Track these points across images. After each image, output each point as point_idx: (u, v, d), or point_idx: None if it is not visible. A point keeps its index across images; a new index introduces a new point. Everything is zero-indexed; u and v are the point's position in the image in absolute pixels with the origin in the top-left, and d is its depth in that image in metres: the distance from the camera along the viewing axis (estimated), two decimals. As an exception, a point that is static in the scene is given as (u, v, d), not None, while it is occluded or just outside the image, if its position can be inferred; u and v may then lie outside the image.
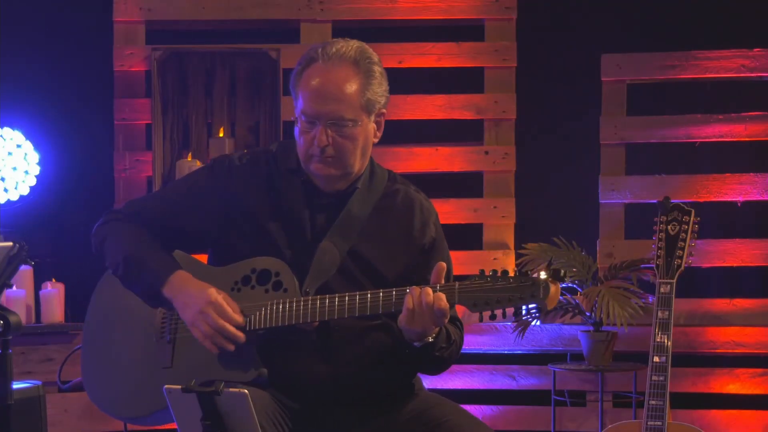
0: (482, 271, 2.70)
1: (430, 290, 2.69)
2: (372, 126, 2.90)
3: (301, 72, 2.86)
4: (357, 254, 2.90)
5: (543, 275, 2.64)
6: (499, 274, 2.68)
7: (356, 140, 2.85)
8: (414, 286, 2.71)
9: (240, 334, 2.80)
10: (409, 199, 2.98)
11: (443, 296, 2.68)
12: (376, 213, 2.94)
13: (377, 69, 2.87)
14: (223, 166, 2.98)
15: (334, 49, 2.84)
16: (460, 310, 2.85)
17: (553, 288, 2.63)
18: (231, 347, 2.80)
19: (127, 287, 2.96)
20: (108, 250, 2.97)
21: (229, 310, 2.81)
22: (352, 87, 2.82)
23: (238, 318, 2.81)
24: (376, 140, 2.94)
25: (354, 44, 2.87)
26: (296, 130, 2.88)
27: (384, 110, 2.92)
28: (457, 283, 2.70)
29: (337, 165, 2.86)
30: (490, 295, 2.66)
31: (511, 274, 2.67)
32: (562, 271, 2.64)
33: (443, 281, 2.73)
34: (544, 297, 2.63)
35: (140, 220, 2.98)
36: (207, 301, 2.81)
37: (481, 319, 2.70)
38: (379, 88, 2.87)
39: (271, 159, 2.97)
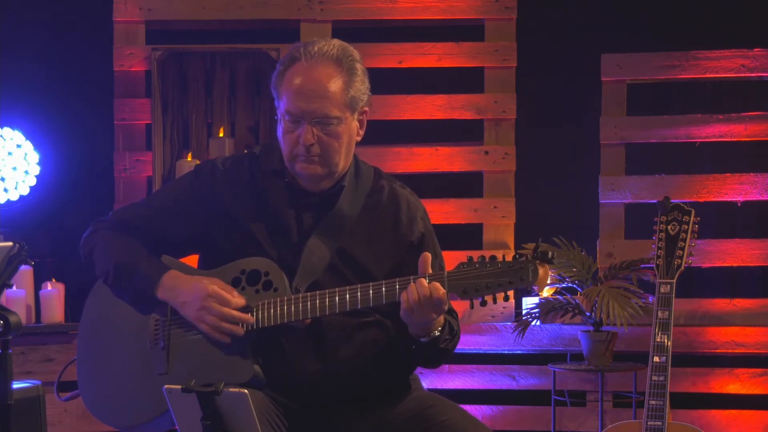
0: (470, 258, 2.70)
1: (424, 281, 2.69)
2: (355, 124, 2.91)
3: (283, 72, 2.87)
4: (345, 252, 2.90)
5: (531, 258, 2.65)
6: (487, 259, 2.68)
7: (341, 138, 2.86)
8: (410, 284, 2.71)
9: (246, 316, 2.81)
10: (395, 195, 2.99)
11: (438, 284, 2.69)
12: (363, 210, 2.94)
13: (359, 67, 2.89)
14: (206, 171, 2.99)
15: (316, 48, 2.85)
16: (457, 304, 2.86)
17: (541, 270, 2.64)
18: (240, 331, 2.81)
19: (117, 295, 2.97)
20: (97, 259, 2.99)
21: (228, 296, 2.83)
22: (336, 85, 2.84)
23: (240, 300, 2.83)
24: (359, 138, 2.95)
25: (336, 43, 2.89)
26: (279, 130, 2.89)
27: (366, 108, 2.93)
28: (445, 272, 2.71)
29: (322, 163, 2.86)
30: (479, 281, 2.67)
31: (500, 259, 2.68)
32: (550, 253, 2.65)
33: (431, 270, 2.73)
34: (533, 280, 2.64)
35: (127, 228, 2.99)
36: (205, 294, 2.82)
37: (471, 306, 2.71)
38: (362, 85, 2.89)
39: (255, 161, 2.98)
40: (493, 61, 5.38)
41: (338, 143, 2.86)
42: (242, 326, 2.82)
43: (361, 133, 2.95)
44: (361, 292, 2.77)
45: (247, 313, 2.83)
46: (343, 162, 2.90)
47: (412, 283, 2.71)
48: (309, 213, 2.92)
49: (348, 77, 2.86)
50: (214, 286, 2.84)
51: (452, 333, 2.88)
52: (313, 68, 2.83)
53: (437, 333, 2.80)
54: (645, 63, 5.27)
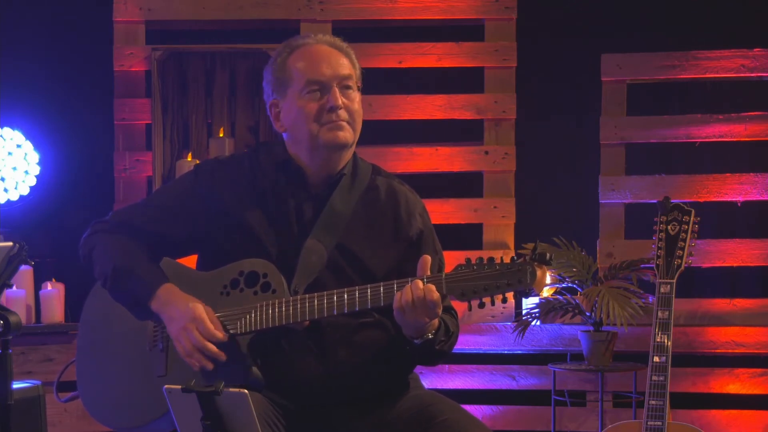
0: (468, 260, 2.70)
1: (419, 283, 2.69)
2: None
3: (285, 59, 2.91)
4: (344, 249, 2.90)
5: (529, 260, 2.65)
6: (485, 261, 2.68)
7: (360, 106, 2.93)
8: (402, 280, 2.71)
9: (221, 354, 2.80)
10: (394, 192, 2.99)
11: (433, 287, 2.68)
12: (361, 207, 2.95)
13: (353, 53, 2.97)
14: (206, 171, 2.99)
15: (312, 36, 2.94)
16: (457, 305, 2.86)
17: (539, 272, 2.63)
18: (210, 366, 2.79)
19: (114, 299, 2.97)
20: (96, 261, 2.98)
21: (211, 327, 2.80)
22: (345, 58, 2.92)
23: (220, 335, 2.80)
24: None
25: (329, 34, 2.97)
26: (292, 112, 2.89)
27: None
28: (443, 274, 2.70)
29: (350, 129, 2.90)
30: (478, 283, 2.66)
31: (498, 261, 2.67)
32: (548, 255, 2.64)
33: (429, 272, 2.73)
34: (531, 282, 2.63)
35: (127, 229, 2.99)
36: (191, 318, 2.80)
37: (470, 308, 2.69)
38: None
39: (254, 160, 2.99)
40: (493, 61, 5.38)
41: (360, 110, 2.92)
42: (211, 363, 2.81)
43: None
44: (359, 294, 2.76)
45: (234, 334, 2.82)
46: (357, 135, 2.93)
47: (405, 283, 2.71)
48: (309, 204, 2.92)
49: (349, 56, 2.93)
50: (203, 313, 2.82)
51: (448, 334, 2.87)
52: (321, 46, 2.91)
53: (431, 336, 2.79)
54: (645, 63, 5.27)
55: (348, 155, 2.94)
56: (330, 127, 2.87)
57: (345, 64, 2.90)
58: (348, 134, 2.89)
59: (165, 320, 2.86)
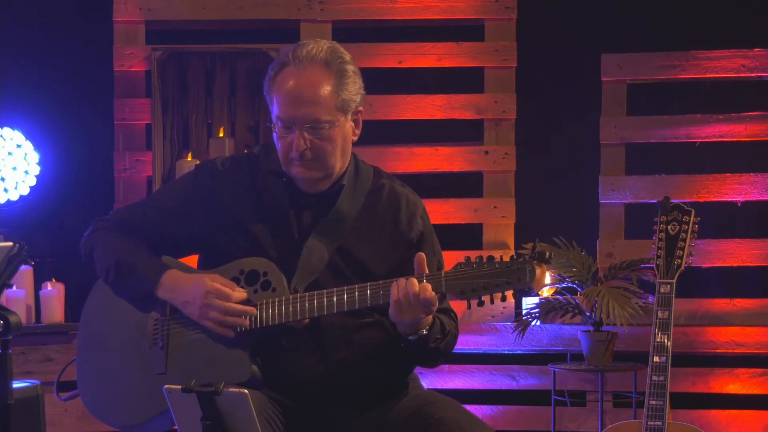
0: (468, 258, 2.70)
1: (415, 280, 2.70)
2: (349, 125, 2.90)
3: (273, 77, 2.87)
4: (345, 251, 2.91)
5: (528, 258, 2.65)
6: (484, 260, 2.68)
7: (334, 141, 2.85)
8: (400, 278, 2.71)
9: (249, 308, 2.81)
10: (395, 194, 2.99)
11: (429, 286, 2.68)
12: (363, 209, 2.95)
13: (350, 68, 2.87)
14: (207, 171, 3.00)
15: (304, 52, 2.84)
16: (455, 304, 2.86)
17: (538, 270, 2.64)
18: (246, 323, 2.81)
19: (118, 294, 2.98)
20: (98, 258, 3.00)
21: (228, 290, 2.83)
22: (325, 89, 2.82)
23: (241, 294, 2.83)
24: (355, 138, 2.94)
25: (324, 45, 2.87)
26: (274, 135, 2.89)
27: (361, 108, 2.92)
28: (443, 272, 2.71)
29: (318, 167, 2.87)
30: (477, 281, 2.67)
31: (498, 259, 2.67)
32: (548, 253, 2.65)
33: (427, 270, 2.73)
34: (530, 280, 2.64)
35: (128, 227, 3.00)
36: (206, 291, 2.83)
37: (469, 306, 2.70)
38: (353, 86, 2.87)
39: (254, 161, 2.99)
40: (493, 61, 5.38)
41: (332, 146, 2.85)
42: (246, 318, 2.82)
43: (357, 132, 2.94)
44: (358, 292, 2.77)
45: (248, 305, 2.84)
46: (339, 163, 2.90)
47: (402, 279, 2.71)
48: (309, 212, 2.93)
49: (338, 80, 2.84)
50: (215, 282, 2.85)
51: (444, 333, 2.87)
52: (302, 73, 2.82)
53: (425, 332, 2.79)
54: (645, 63, 5.27)
55: (341, 169, 2.92)
56: (295, 164, 2.86)
57: (320, 99, 2.81)
58: (314, 172, 2.87)
59: (180, 306, 2.88)
